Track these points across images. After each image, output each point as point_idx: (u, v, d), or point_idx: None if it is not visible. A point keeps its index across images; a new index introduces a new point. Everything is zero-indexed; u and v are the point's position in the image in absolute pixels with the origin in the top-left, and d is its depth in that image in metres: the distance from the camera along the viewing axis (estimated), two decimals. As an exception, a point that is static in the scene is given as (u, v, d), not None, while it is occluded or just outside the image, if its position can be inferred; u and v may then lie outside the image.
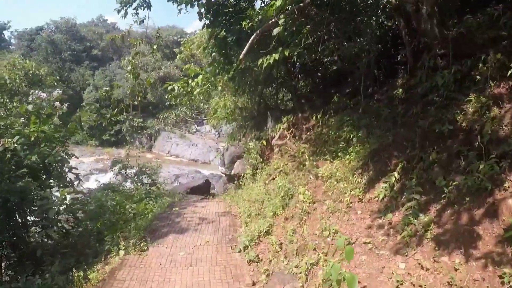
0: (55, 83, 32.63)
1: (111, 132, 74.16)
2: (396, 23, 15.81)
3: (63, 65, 79.88)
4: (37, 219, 13.25)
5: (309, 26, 13.23)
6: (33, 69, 31.61)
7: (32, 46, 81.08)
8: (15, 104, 20.84)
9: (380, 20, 17.23)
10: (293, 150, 18.26)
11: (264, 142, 21.12)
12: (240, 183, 22.58)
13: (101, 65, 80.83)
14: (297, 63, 21.81)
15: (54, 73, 73.76)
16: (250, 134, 22.98)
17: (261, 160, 21.22)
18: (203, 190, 30.93)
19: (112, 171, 26.96)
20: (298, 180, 15.46)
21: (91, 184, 28.75)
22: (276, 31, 11.13)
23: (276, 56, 12.33)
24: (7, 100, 22.09)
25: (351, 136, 14.51)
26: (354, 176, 12.67)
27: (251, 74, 21.17)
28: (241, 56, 12.69)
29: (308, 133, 18.89)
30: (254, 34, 11.83)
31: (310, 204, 13.11)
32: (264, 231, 13.48)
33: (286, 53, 12.67)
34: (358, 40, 15.76)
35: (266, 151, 21.59)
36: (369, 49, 15.25)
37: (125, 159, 27.39)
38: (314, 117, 18.41)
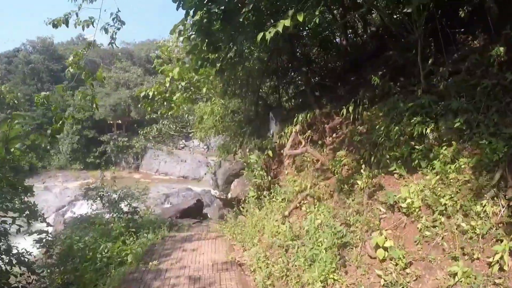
0: (15, 101, 26.15)
1: (96, 154, 68.81)
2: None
3: (42, 86, 73.87)
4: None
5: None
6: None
7: (9, 68, 75.04)
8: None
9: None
10: (320, 162, 12.37)
11: (270, 153, 15.04)
12: (241, 208, 16.42)
13: (81, 84, 73.13)
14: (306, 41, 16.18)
15: (32, 95, 69.73)
16: (248, 144, 16.90)
17: (268, 178, 15.11)
18: (195, 212, 26.79)
19: (86, 201, 21.21)
20: (351, 213, 9.29)
21: (81, 209, 24.35)
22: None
23: (285, 22, 7.18)
24: None
25: (424, 131, 8.45)
26: (485, 204, 6.60)
27: (245, 63, 15.34)
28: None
29: (335, 135, 13.06)
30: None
31: (405, 269, 7.06)
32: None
33: (300, 18, 7.18)
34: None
35: (273, 164, 15.66)
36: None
37: (100, 185, 21.75)
38: (341, 112, 12.37)
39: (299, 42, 17.15)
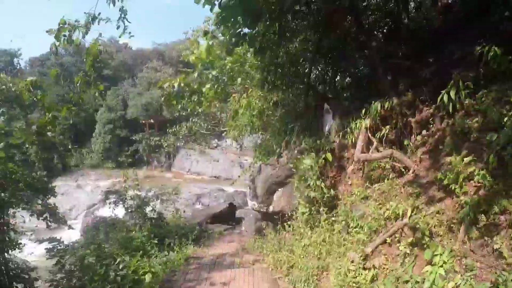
0: (35, 99, 23.20)
1: (128, 153, 65.90)
2: None
3: (74, 87, 68.64)
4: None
5: None
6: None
7: (42, 71, 71.63)
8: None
9: None
10: (413, 171, 8.48)
11: (329, 157, 10.98)
12: (287, 226, 12.52)
13: (113, 85, 71.19)
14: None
15: (65, 96, 67.37)
16: (297, 145, 12.91)
17: (328, 191, 10.90)
18: (227, 217, 24.11)
19: (108, 204, 19.11)
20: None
21: (105, 211, 22.18)
22: None
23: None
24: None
25: None
26: None
27: (290, 43, 11.58)
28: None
29: (425, 132, 9.07)
30: None
31: None
32: None
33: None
34: None
35: (331, 171, 11.54)
36: None
37: (122, 188, 19.53)
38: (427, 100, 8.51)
39: (360, 14, 12.72)
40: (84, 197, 52.39)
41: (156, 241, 14.28)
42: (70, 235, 19.59)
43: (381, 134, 9.42)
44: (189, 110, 22.07)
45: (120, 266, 11.48)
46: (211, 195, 46.29)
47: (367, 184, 9.61)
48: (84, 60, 11.97)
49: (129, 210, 18.41)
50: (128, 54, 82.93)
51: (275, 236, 13.30)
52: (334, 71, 14.16)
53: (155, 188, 21.97)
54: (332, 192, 10.60)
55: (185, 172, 63.11)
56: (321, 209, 10.57)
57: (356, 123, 10.16)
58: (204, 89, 14.13)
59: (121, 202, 18.64)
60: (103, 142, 64.20)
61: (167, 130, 33.21)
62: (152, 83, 67.90)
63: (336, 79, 14.36)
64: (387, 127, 9.41)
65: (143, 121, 66.31)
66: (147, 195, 20.49)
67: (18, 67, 79.99)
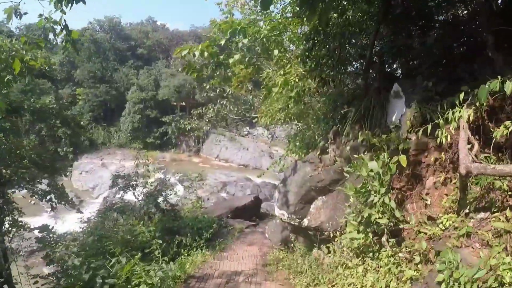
0: (46, 68, 20.70)
1: (156, 135, 63.68)
2: None
3: (107, 64, 69.31)
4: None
5: None
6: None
7: (78, 47, 68.82)
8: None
9: None
10: None
11: (403, 160, 6.79)
12: (327, 249, 9.14)
13: (146, 65, 70.21)
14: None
15: (97, 72, 65.49)
16: (350, 138, 9.12)
17: (398, 214, 6.93)
18: (251, 211, 21.79)
19: (117, 190, 16.92)
20: None
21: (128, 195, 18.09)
22: None
23: None
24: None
25: None
26: None
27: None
28: None
29: None
30: None
31: None
32: None
33: None
34: None
35: (398, 181, 7.61)
36: None
37: (132, 172, 17.02)
38: None
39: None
40: (108, 176, 48.99)
41: (160, 241, 11.08)
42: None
43: (498, 133, 5.72)
44: (217, 91, 19.06)
45: (114, 270, 8.89)
46: (238, 184, 44.45)
47: (469, 211, 6.06)
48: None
49: (139, 199, 15.73)
50: (165, 34, 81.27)
51: (306, 257, 10.15)
52: (408, 40, 9.75)
53: (179, 174, 19.15)
54: (397, 213, 6.94)
55: (213, 158, 61.28)
56: (383, 238, 6.98)
57: (451, 114, 6.42)
58: (231, 60, 10.55)
59: (131, 188, 16.01)
60: (132, 121, 62.07)
61: (192, 111, 30.06)
62: (187, 65, 65.37)
63: (408, 54, 10.02)
64: (509, 123, 5.75)
65: (175, 103, 64.19)
66: (164, 181, 17.84)
67: (53, 41, 78.12)
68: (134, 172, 16.43)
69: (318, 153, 10.42)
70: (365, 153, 7.86)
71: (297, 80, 10.79)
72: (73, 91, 65.10)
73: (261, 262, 11.81)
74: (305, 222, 10.37)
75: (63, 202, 19.67)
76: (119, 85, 66.31)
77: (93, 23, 74.68)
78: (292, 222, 10.78)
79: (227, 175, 49.07)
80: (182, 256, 12.03)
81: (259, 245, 14.19)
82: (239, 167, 56.57)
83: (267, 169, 19.53)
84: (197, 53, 10.26)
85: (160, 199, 15.58)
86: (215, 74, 11.89)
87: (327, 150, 10.20)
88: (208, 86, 19.93)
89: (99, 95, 63.96)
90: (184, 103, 64.41)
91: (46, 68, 21.03)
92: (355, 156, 7.72)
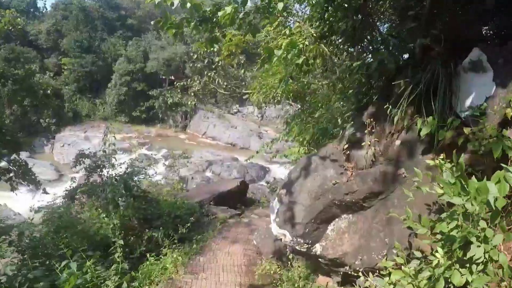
0: (11, 29, 18.56)
1: (143, 108, 60.63)
2: None
3: (94, 34, 65.78)
4: None
5: None
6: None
7: (64, 14, 66.58)
8: None
9: None
10: None
11: None
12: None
13: (136, 36, 66.40)
14: None
15: (84, 42, 62.37)
16: (398, 127, 6.06)
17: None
18: (236, 198, 19.49)
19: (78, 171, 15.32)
20: None
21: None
22: None
23: None
24: None
25: None
26: None
27: None
28: None
29: None
30: None
31: None
32: None
33: None
34: None
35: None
36: None
37: (99, 150, 14.07)
38: None
39: None
40: (90, 150, 47.60)
41: (121, 242, 8.63)
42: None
43: None
44: (205, 62, 17.70)
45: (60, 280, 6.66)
46: (224, 164, 42.42)
47: None
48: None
49: (107, 183, 12.60)
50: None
51: (309, 285, 7.74)
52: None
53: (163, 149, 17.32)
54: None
55: (200, 135, 58.98)
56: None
57: None
58: (220, 14, 7.87)
59: (98, 170, 13.39)
60: (118, 94, 59.26)
61: (175, 83, 27.40)
62: (178, 38, 62.64)
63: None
64: None
65: (163, 77, 61.49)
66: (138, 161, 15.94)
67: (43, 10, 75.43)
68: (101, 150, 13.65)
69: (344, 146, 7.12)
70: (428, 153, 5.37)
71: (306, 43, 8.04)
72: (59, 61, 61.98)
73: (246, 280, 9.34)
74: (318, 249, 7.44)
75: (25, 182, 17.32)
76: (107, 56, 63.16)
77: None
78: (297, 247, 7.70)
79: (213, 154, 46.96)
80: (148, 263, 9.52)
81: (243, 244, 11.86)
82: (226, 146, 54.34)
83: (257, 152, 17.14)
84: (176, 1, 7.55)
85: (133, 182, 12.64)
86: (198, 36, 9.22)
87: (362, 144, 6.83)
88: (195, 56, 17.45)
89: (85, 66, 60.76)
90: (173, 77, 61.37)
91: (11, 28, 19.28)
92: (422, 157, 5.18)
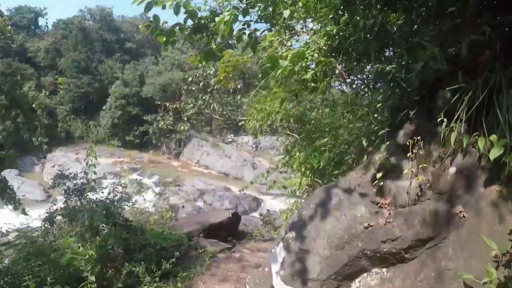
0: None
1: (136, 133, 59.69)
2: None
3: (93, 55, 65.14)
4: None
5: None
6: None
7: (64, 34, 66.35)
8: None
9: None
10: None
11: None
12: None
13: (134, 59, 65.94)
14: None
15: (81, 62, 61.69)
16: (452, 148, 4.57)
17: None
18: (227, 230, 17.87)
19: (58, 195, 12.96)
20: None
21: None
22: None
23: None
24: None
25: None
26: None
27: None
28: None
29: None
30: None
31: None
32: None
33: None
34: None
35: None
36: None
37: (81, 172, 12.01)
38: None
39: None
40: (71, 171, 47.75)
41: (93, 278, 7.57)
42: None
43: None
44: (200, 85, 15.70)
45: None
46: (216, 194, 40.81)
47: None
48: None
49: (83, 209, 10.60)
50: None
51: None
52: None
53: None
54: None
55: (193, 163, 57.57)
56: None
57: None
58: (218, 20, 6.82)
59: (78, 193, 11.72)
60: (112, 117, 58.21)
61: (168, 105, 26.14)
62: (175, 64, 63.47)
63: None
64: None
65: (159, 102, 60.83)
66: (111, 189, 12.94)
67: (44, 29, 75.32)
68: (83, 171, 12.31)
69: (374, 175, 5.40)
70: (492, 184, 4.15)
71: (316, 55, 6.91)
72: (55, 80, 61.31)
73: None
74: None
75: (4, 200, 16.34)
76: (103, 78, 62.36)
77: (84, 11, 70.97)
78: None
79: (205, 183, 45.58)
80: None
81: (234, 283, 10.55)
82: (219, 175, 53.05)
83: (251, 182, 15.99)
84: (168, 3, 6.46)
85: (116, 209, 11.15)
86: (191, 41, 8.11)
87: (400, 173, 5.20)
88: (190, 79, 16.52)
89: (81, 86, 59.95)
90: (167, 104, 61.30)
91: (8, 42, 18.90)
92: (484, 190, 3.93)
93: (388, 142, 5.23)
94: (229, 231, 18.03)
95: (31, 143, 53.39)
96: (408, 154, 5.00)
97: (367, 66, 7.00)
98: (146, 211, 18.09)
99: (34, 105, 52.14)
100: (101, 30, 67.24)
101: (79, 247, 9.02)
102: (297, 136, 11.92)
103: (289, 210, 10.74)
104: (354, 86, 7.65)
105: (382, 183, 5.31)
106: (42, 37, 68.88)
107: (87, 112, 61.63)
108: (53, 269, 7.98)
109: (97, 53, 65.21)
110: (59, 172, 12.47)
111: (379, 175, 5.25)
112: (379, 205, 5.30)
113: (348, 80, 7.56)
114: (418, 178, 4.90)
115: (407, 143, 5.00)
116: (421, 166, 4.97)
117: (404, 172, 5.11)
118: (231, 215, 19.22)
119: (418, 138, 4.97)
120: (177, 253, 10.85)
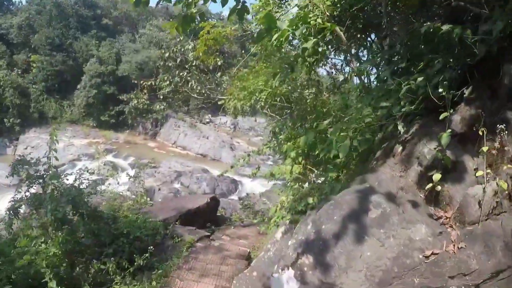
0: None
1: (112, 113, 57.78)
2: None
3: (67, 31, 62.44)
4: None
5: None
6: None
7: (38, 9, 63.24)
8: None
9: None
10: None
11: None
12: None
13: (110, 37, 64.29)
14: None
15: (55, 39, 59.39)
16: None
17: None
18: (206, 216, 16.95)
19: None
20: None
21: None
22: None
23: None
24: None
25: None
26: None
27: None
28: None
29: None
30: None
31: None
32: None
33: None
34: None
35: None
36: None
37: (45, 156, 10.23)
38: None
39: None
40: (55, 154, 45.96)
41: (54, 284, 6.64)
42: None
43: None
44: (178, 61, 16.08)
45: None
46: (193, 176, 39.89)
47: None
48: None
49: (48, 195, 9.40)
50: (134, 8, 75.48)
51: None
52: None
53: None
54: None
55: (170, 144, 56.49)
56: None
57: None
58: None
59: (40, 180, 9.92)
60: (87, 96, 56.42)
61: (141, 83, 24.78)
62: (153, 42, 61.95)
63: None
64: None
65: (135, 81, 59.09)
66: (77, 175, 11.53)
67: (18, 4, 72.40)
68: (46, 156, 10.85)
69: (420, 172, 4.22)
70: None
71: (319, 21, 5.69)
72: (28, 58, 58.89)
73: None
74: None
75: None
76: (78, 56, 60.21)
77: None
78: None
79: (182, 165, 44.47)
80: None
81: (215, 279, 9.63)
82: (197, 156, 51.99)
83: (232, 167, 14.98)
84: None
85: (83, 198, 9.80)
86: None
87: (465, 175, 3.95)
88: (167, 54, 15.48)
89: (54, 64, 57.74)
90: (142, 81, 59.51)
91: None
92: None
93: (449, 130, 3.74)
94: (207, 217, 17.16)
95: (2, 124, 51.70)
96: (483, 148, 3.67)
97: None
98: (120, 195, 17.04)
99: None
100: (77, 5, 64.84)
101: (40, 244, 8.00)
102: (284, 117, 10.96)
103: (282, 203, 9.42)
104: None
105: (439, 187, 3.95)
106: (16, 13, 65.84)
107: (61, 92, 59.49)
108: (12, 269, 7.03)
109: (72, 30, 62.92)
110: (18, 158, 11.10)
111: (436, 176, 3.85)
112: (439, 221, 3.93)
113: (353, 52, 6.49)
114: (497, 183, 3.59)
115: (465, 132, 3.78)
116: (494, 165, 3.70)
117: (477, 174, 3.75)
118: (209, 200, 18.41)
119: (482, 125, 3.69)
120: (151, 247, 9.81)
